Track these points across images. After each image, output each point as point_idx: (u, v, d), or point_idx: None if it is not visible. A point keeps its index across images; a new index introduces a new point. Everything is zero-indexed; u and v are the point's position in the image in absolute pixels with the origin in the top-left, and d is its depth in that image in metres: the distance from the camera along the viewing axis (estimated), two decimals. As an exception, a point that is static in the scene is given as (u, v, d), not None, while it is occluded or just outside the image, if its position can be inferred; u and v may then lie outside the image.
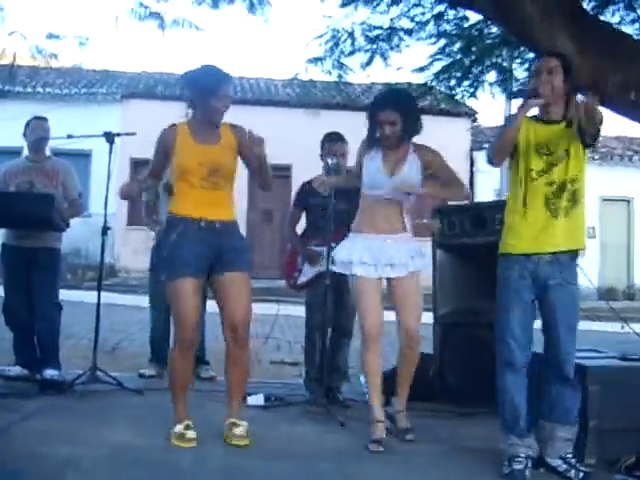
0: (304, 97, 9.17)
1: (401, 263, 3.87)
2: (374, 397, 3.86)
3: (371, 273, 3.87)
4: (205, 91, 3.58)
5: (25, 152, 5.24)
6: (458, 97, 7.66)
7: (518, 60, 7.01)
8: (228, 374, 3.70)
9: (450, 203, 4.85)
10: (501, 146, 3.36)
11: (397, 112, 3.83)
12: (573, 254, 3.38)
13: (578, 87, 4.33)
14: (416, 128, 3.93)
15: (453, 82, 7.26)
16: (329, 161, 4.49)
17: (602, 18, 5.81)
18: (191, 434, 3.51)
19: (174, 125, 3.68)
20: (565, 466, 3.31)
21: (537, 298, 3.35)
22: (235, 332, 3.58)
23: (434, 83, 7.29)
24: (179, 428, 3.53)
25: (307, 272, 4.81)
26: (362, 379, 5.16)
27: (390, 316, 3.96)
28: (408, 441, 3.81)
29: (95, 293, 4.81)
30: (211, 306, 3.71)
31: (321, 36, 7.04)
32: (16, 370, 4.88)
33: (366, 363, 3.89)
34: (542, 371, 3.39)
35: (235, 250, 3.62)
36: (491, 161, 3.41)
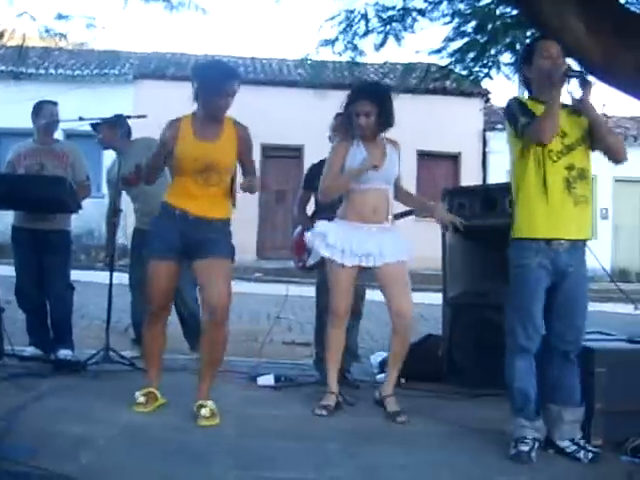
0: (315, 78, 9.12)
1: (388, 252, 3.97)
2: (332, 371, 4.04)
3: (348, 261, 3.98)
4: (209, 86, 3.62)
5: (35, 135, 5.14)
6: (473, 77, 7.60)
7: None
8: (202, 354, 3.77)
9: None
10: (553, 123, 3.24)
11: (372, 103, 3.94)
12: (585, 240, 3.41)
13: (589, 68, 4.31)
14: (390, 121, 4.02)
15: (469, 63, 7.20)
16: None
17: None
18: (141, 399, 3.69)
19: (178, 119, 3.72)
20: (574, 447, 3.33)
21: (552, 284, 3.33)
22: (213, 315, 3.63)
23: (452, 65, 7.23)
24: (137, 394, 3.71)
25: (316, 253, 4.80)
26: (372, 360, 5.20)
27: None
28: (401, 423, 3.83)
29: (108, 273, 4.87)
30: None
31: (333, 17, 7.01)
32: (30, 350, 4.93)
33: (330, 338, 4.06)
34: (544, 354, 3.37)
35: (210, 240, 3.65)
36: (543, 141, 3.25)
